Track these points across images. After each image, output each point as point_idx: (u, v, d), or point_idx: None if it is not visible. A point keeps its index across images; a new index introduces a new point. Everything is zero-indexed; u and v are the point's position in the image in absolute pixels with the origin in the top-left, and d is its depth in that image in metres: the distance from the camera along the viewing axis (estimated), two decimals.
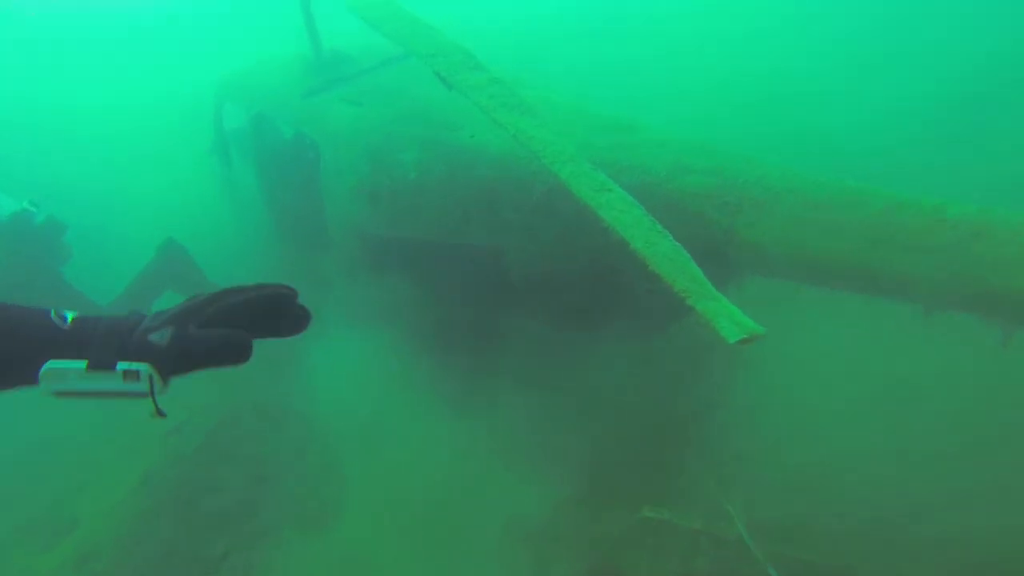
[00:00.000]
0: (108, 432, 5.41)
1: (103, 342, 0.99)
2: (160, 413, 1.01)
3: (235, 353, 1.00)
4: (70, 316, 1.03)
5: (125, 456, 5.22)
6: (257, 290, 1.05)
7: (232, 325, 1.02)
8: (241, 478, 4.95)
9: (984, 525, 3.22)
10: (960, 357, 3.58)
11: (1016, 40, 6.84)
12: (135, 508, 4.73)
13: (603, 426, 4.17)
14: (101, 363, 0.97)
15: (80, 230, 5.48)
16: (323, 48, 5.60)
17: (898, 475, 3.61)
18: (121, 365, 0.97)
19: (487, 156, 3.94)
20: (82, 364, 0.96)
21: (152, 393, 0.98)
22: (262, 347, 0.95)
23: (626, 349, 4.26)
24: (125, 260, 5.66)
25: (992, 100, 6.37)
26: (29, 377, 0.96)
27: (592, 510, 3.93)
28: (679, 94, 7.19)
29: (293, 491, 4.74)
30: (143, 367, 0.96)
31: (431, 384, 4.66)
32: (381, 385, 4.68)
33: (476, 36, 4.07)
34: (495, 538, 3.94)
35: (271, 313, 1.06)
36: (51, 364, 0.96)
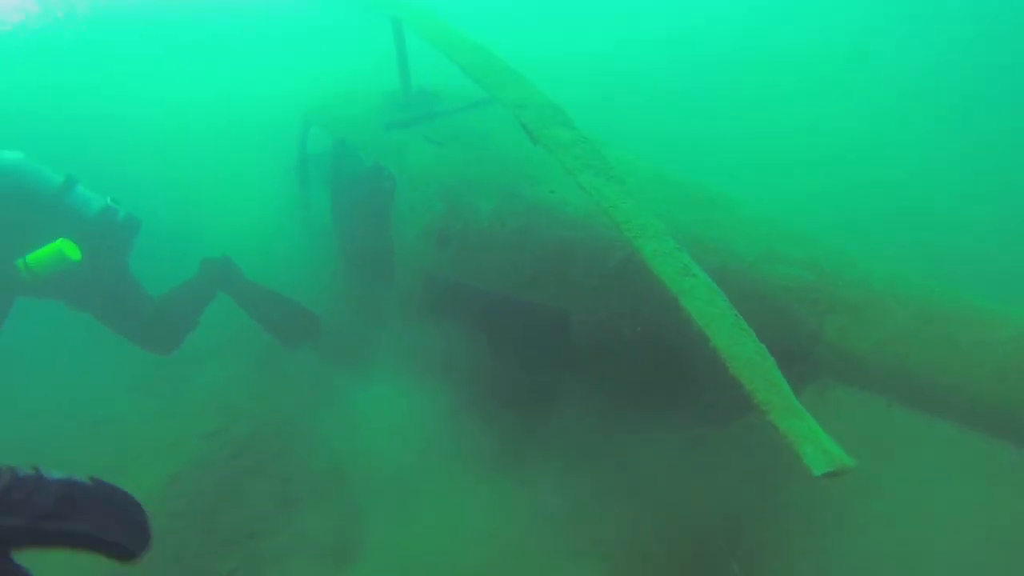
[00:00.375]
0: (153, 422, 5.45)
1: None
2: None
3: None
4: None
5: (161, 452, 5.22)
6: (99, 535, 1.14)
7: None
8: (267, 497, 4.84)
9: None
10: None
11: None
12: (157, 508, 4.65)
13: (648, 519, 3.86)
14: None
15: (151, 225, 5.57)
16: (412, 84, 5.65)
17: None
18: None
19: (564, 214, 3.79)
20: None
21: None
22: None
23: (684, 437, 3.97)
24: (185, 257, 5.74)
25: None
26: None
27: None
28: (776, 167, 6.87)
29: (316, 521, 4.59)
30: None
31: (474, 441, 4.45)
32: (423, 433, 4.50)
33: (552, 85, 4.00)
34: None
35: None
36: None
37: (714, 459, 3.98)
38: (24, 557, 1.11)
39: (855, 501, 3.73)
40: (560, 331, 3.95)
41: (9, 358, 5.62)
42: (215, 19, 14.18)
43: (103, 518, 1.13)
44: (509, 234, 3.94)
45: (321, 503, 4.71)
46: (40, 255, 4.42)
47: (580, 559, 3.76)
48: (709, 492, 3.87)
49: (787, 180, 6.52)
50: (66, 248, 4.46)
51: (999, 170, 6.87)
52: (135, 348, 5.17)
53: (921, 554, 3.40)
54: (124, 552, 1.16)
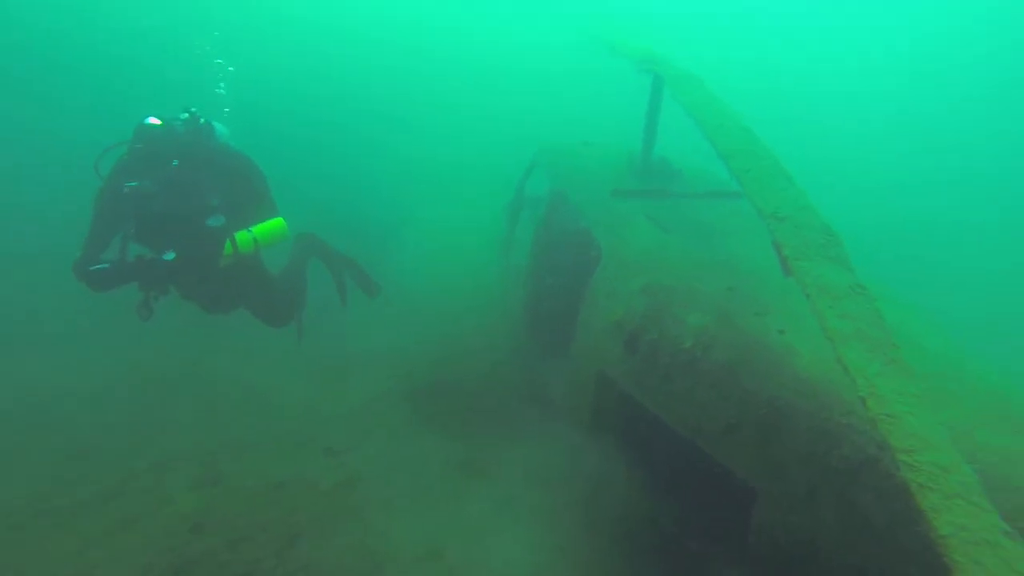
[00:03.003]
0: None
1: None
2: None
3: None
4: None
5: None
6: None
7: None
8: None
9: None
10: None
11: None
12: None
13: None
14: None
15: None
16: (653, 151, 4.97)
17: None
18: None
19: (790, 368, 2.80)
20: None
21: None
22: None
23: None
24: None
25: None
26: None
27: None
28: None
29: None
30: None
31: None
32: (523, 559, 3.67)
33: None
34: None
35: None
36: None
37: None
38: None
39: None
40: (736, 509, 2.95)
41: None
42: None
43: None
44: (711, 366, 3.05)
45: None
46: (265, 228, 4.37)
47: None
48: None
49: None
50: (285, 225, 4.45)
51: None
52: None
53: None
54: None
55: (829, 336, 2.05)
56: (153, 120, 4.09)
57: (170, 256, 4.02)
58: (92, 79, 12.82)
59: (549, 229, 5.32)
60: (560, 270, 5.30)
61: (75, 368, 6.16)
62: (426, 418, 5.07)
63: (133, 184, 3.93)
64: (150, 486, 4.49)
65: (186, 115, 4.26)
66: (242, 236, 4.24)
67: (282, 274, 5.06)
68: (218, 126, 4.46)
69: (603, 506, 3.78)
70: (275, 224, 4.43)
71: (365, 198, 11.41)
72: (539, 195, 6.23)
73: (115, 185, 3.96)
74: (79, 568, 3.72)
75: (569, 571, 3.55)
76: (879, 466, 2.24)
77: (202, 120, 4.33)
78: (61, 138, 10.62)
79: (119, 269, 3.93)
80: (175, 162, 4.07)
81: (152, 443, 5.00)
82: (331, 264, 5.31)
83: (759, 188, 2.82)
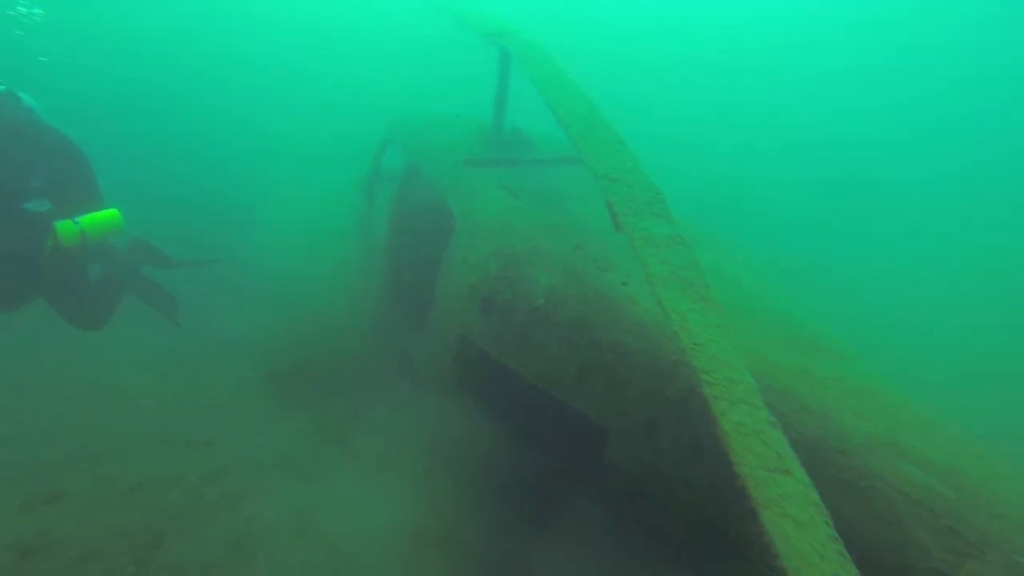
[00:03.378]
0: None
1: None
2: None
3: None
4: None
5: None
6: None
7: None
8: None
9: None
10: None
11: None
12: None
13: None
14: None
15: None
16: (505, 122, 5.14)
17: None
18: None
19: (631, 316, 3.09)
20: None
21: None
22: None
23: None
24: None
25: None
26: None
27: None
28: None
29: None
30: None
31: (461, 547, 3.71)
32: (398, 523, 3.78)
33: None
34: None
35: None
36: None
37: None
38: None
39: None
40: (593, 450, 3.23)
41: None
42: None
43: None
44: (561, 321, 3.28)
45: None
46: (95, 219, 3.95)
47: None
48: None
49: None
50: (119, 216, 4.06)
51: None
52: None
53: None
54: None
55: (650, 281, 2.31)
56: None
57: None
58: None
59: (405, 202, 5.35)
60: (417, 241, 5.36)
61: None
62: (292, 399, 4.99)
63: None
64: None
65: None
66: (66, 227, 3.84)
67: (102, 279, 4.63)
68: (25, 96, 3.98)
69: (471, 465, 3.96)
70: (107, 216, 4.04)
71: (220, 176, 10.78)
72: (395, 169, 6.22)
73: None
74: None
75: (443, 530, 3.71)
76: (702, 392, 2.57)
77: (1, 87, 3.85)
78: None
79: None
80: None
81: None
82: (144, 290, 4.98)
83: (595, 153, 3.04)
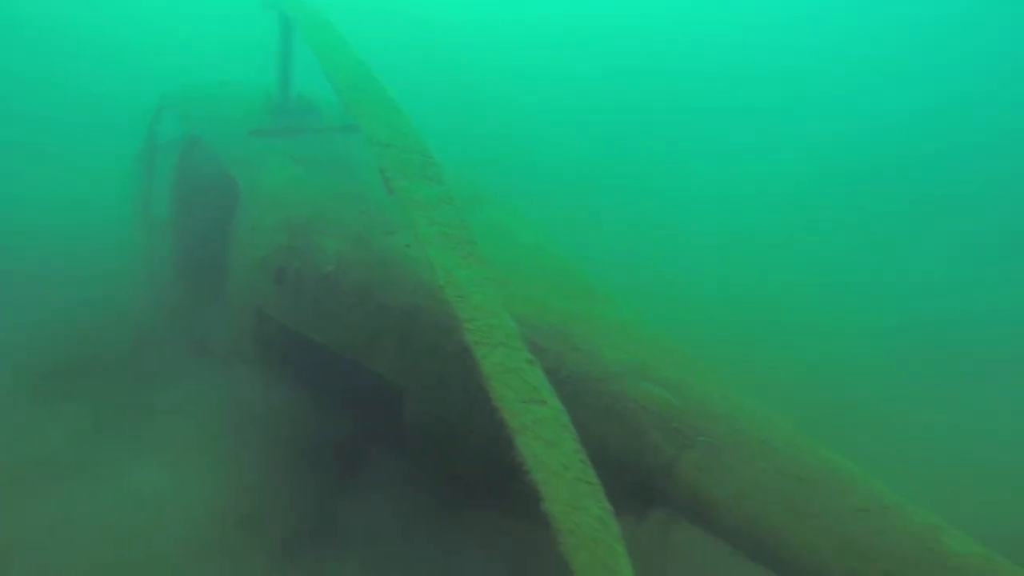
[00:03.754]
0: None
1: None
2: None
3: None
4: None
5: None
6: None
7: None
8: None
9: None
10: None
11: None
12: None
13: None
14: None
15: None
16: (291, 89, 4.98)
17: None
18: None
19: (415, 277, 3.23)
20: None
21: None
22: None
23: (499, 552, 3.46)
24: None
25: None
26: None
27: None
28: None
29: None
30: None
31: (259, 522, 3.67)
32: (203, 508, 3.64)
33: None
34: None
35: None
36: None
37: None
38: None
39: None
40: (393, 409, 3.37)
41: None
42: None
43: None
44: (351, 286, 3.34)
45: None
46: None
47: None
48: None
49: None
50: None
51: None
52: None
53: None
54: None
55: (420, 240, 2.46)
56: None
57: None
58: None
59: (186, 174, 5.02)
60: (202, 216, 5.07)
61: None
62: (67, 395, 4.52)
63: None
64: None
65: None
66: None
67: None
68: None
69: (279, 437, 3.93)
70: None
71: None
72: (172, 140, 5.76)
73: None
74: None
75: (250, 507, 3.66)
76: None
77: None
78: None
79: None
80: None
81: None
82: None
83: (369, 119, 3.10)
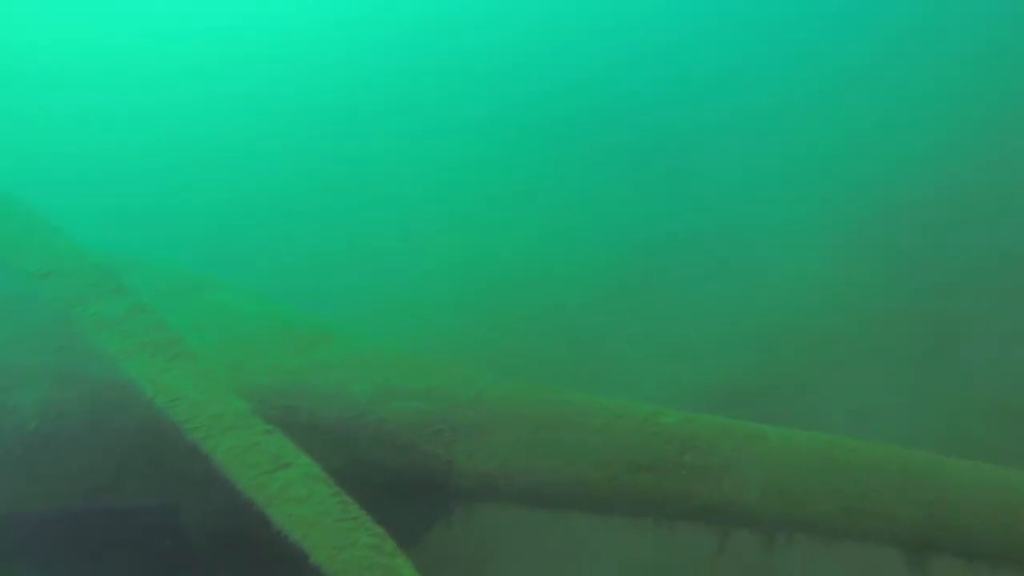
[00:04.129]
0: None
1: None
2: None
3: None
4: None
5: None
6: None
7: None
8: None
9: None
10: None
11: None
12: None
13: None
14: None
15: None
16: None
17: None
18: None
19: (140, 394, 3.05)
20: None
21: None
22: None
23: None
24: None
25: None
26: None
27: None
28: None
29: None
30: None
31: None
32: None
33: None
34: None
35: None
36: None
37: None
38: None
39: None
40: (170, 529, 3.16)
41: None
42: None
43: None
44: (73, 430, 3.04)
45: None
46: None
47: None
48: None
49: None
50: None
51: None
52: None
53: None
54: None
55: (115, 359, 2.35)
56: None
57: None
58: None
59: None
60: None
61: None
62: None
63: None
64: None
65: None
66: None
67: None
68: None
69: None
70: None
71: None
72: None
73: None
74: None
75: None
76: None
77: None
78: None
79: None
80: None
81: None
82: None
83: (14, 251, 2.84)
